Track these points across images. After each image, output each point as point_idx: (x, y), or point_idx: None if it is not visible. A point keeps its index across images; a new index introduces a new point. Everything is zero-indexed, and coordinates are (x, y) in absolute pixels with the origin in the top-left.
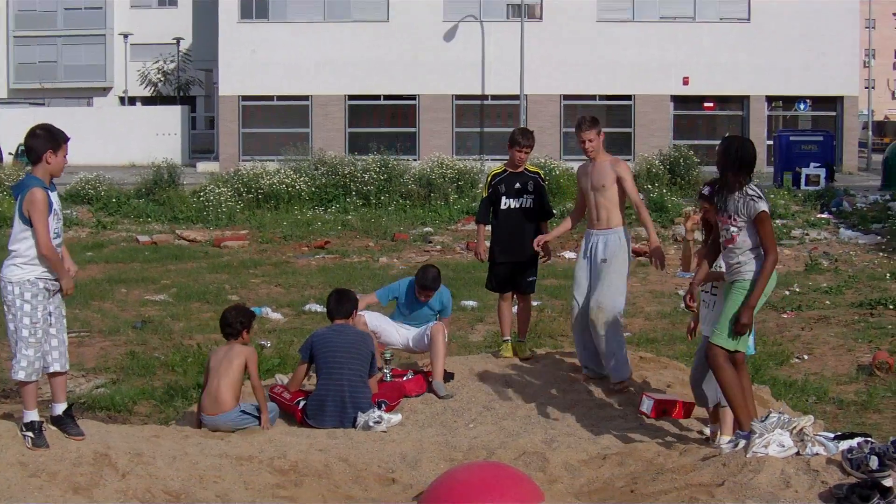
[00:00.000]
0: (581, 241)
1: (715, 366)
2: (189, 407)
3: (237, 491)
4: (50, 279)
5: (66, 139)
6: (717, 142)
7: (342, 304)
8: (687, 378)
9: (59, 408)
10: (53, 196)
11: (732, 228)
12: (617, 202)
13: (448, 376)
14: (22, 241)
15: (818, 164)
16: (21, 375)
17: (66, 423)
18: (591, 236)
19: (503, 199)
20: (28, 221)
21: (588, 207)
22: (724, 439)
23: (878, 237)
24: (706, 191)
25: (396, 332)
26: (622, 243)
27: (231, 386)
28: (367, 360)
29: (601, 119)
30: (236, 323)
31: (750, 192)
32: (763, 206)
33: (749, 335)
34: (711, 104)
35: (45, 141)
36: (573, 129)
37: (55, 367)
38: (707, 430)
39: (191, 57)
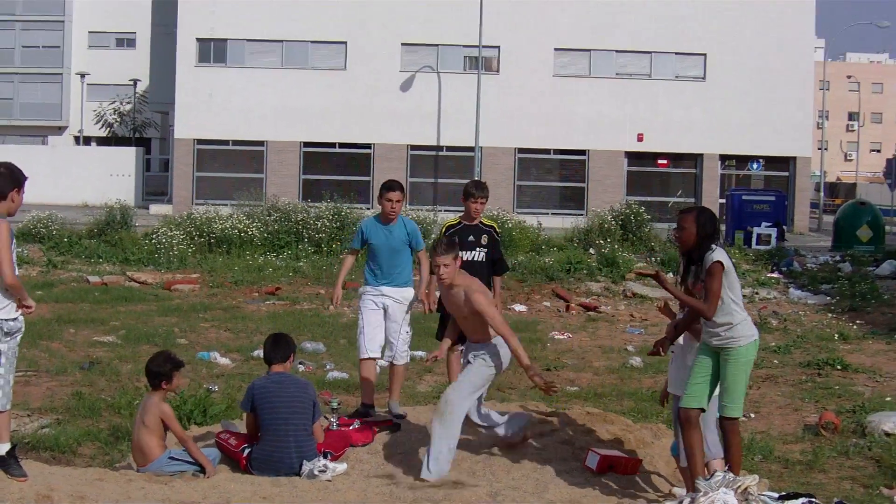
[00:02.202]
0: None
1: (690, 426)
2: None
3: None
4: (8, 320)
5: (25, 178)
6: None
7: (278, 349)
8: (633, 435)
9: (3, 448)
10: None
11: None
12: (480, 325)
13: (395, 427)
14: None
15: (770, 224)
16: None
17: (9, 463)
18: (468, 347)
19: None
20: None
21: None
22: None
23: (828, 298)
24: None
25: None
26: (489, 351)
27: (150, 436)
28: (310, 411)
29: (554, 172)
30: (154, 374)
31: (716, 248)
32: (718, 256)
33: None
34: (665, 161)
35: (8, 180)
36: (527, 183)
37: None
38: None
39: (147, 99)
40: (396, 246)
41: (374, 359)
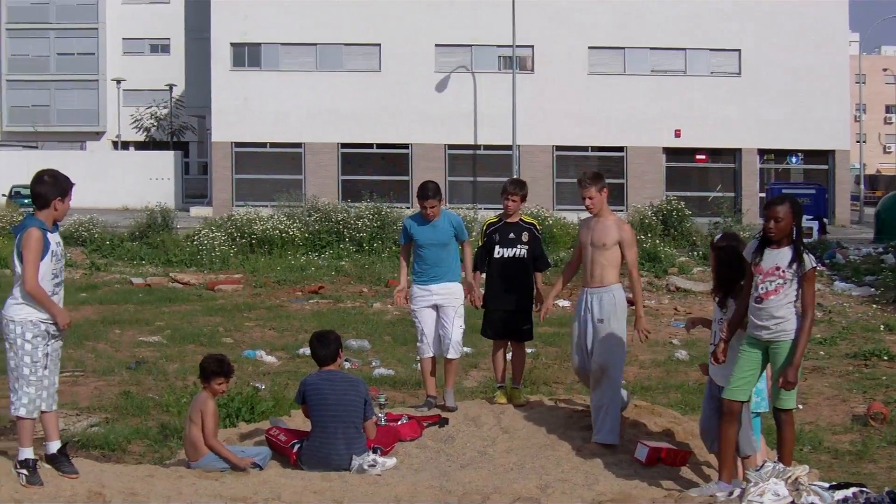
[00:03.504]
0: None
1: (731, 419)
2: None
3: None
4: (50, 322)
5: (72, 185)
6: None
7: (326, 347)
8: (681, 427)
9: (54, 446)
10: (54, 238)
11: (778, 280)
12: (614, 263)
13: (442, 421)
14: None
15: (810, 217)
16: (22, 412)
17: (60, 461)
18: (585, 294)
19: (496, 248)
20: (22, 259)
21: (583, 263)
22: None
23: (872, 289)
24: (753, 247)
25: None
26: (616, 301)
27: (199, 432)
28: (361, 408)
29: (593, 168)
30: (205, 371)
31: (804, 246)
32: (815, 263)
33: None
34: (703, 156)
35: (52, 188)
36: (566, 180)
37: (43, 407)
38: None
39: (183, 103)
40: (443, 240)
41: (434, 357)
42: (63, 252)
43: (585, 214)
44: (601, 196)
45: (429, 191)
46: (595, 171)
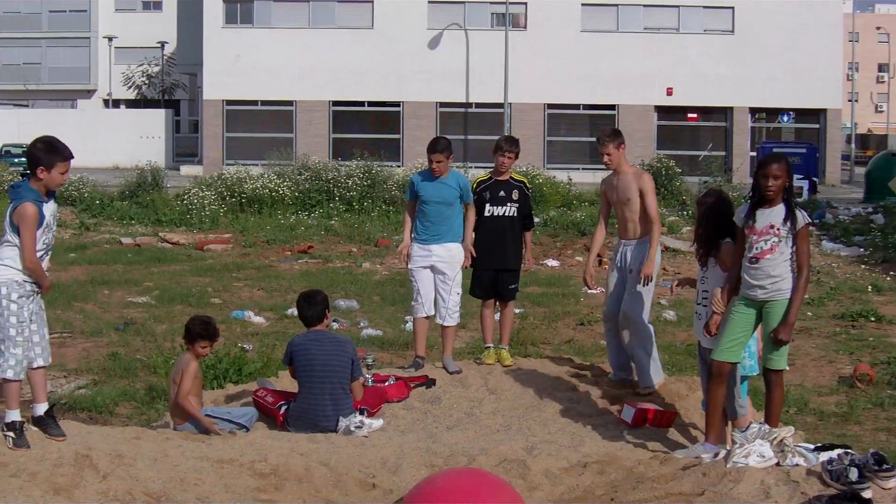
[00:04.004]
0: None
1: (720, 381)
2: None
3: (218, 494)
4: (32, 281)
5: (65, 157)
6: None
7: (313, 307)
8: (667, 388)
9: (41, 408)
10: (48, 208)
11: (773, 239)
12: (643, 213)
13: (430, 382)
14: (9, 248)
15: (801, 177)
16: (10, 374)
17: (47, 423)
18: (622, 247)
19: (486, 206)
20: (16, 231)
21: (617, 218)
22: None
23: (861, 249)
24: (744, 210)
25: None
26: (644, 254)
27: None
28: (348, 368)
29: (584, 127)
30: (190, 333)
31: (796, 203)
32: (808, 219)
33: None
34: (695, 115)
35: (39, 156)
36: (557, 138)
37: (38, 362)
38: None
39: (175, 61)
40: (448, 198)
41: (428, 317)
42: (55, 220)
43: (576, 175)
44: (619, 152)
45: (438, 145)
46: (613, 128)
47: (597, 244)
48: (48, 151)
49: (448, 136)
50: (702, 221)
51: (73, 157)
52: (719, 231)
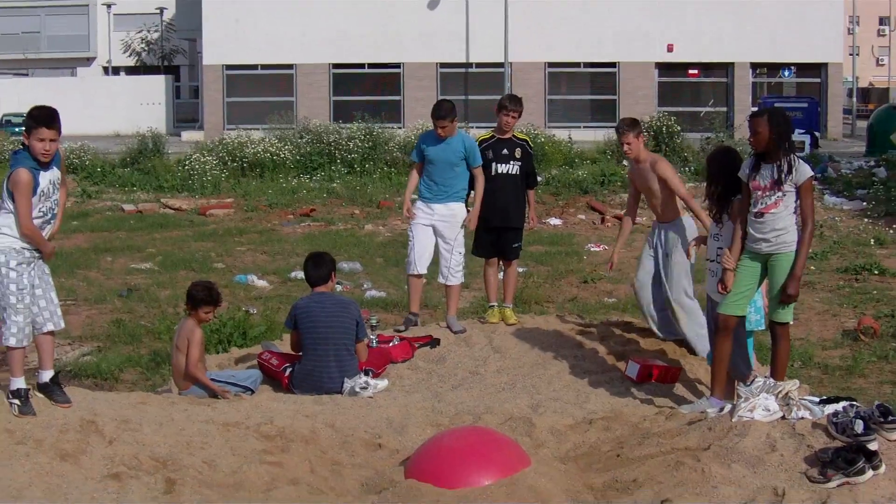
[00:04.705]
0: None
1: (726, 335)
2: None
3: (224, 457)
4: (32, 248)
5: (45, 123)
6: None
7: (319, 269)
8: (672, 344)
9: (46, 375)
10: (46, 177)
11: (778, 194)
12: (669, 198)
13: (434, 342)
14: (7, 215)
15: (803, 131)
16: (12, 342)
17: (52, 390)
18: (656, 227)
19: (493, 164)
20: (11, 197)
21: (647, 203)
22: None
23: (863, 203)
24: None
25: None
26: (680, 233)
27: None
28: (352, 330)
29: (585, 85)
30: (193, 298)
31: (797, 158)
32: (811, 172)
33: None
34: (696, 71)
35: (23, 123)
36: (558, 97)
37: (48, 327)
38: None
39: (174, 26)
40: (452, 159)
41: (421, 275)
42: (57, 188)
43: (577, 133)
44: (638, 141)
45: (441, 110)
46: (631, 117)
47: (624, 234)
48: (28, 117)
49: (449, 97)
50: (713, 179)
51: (51, 125)
52: (732, 188)
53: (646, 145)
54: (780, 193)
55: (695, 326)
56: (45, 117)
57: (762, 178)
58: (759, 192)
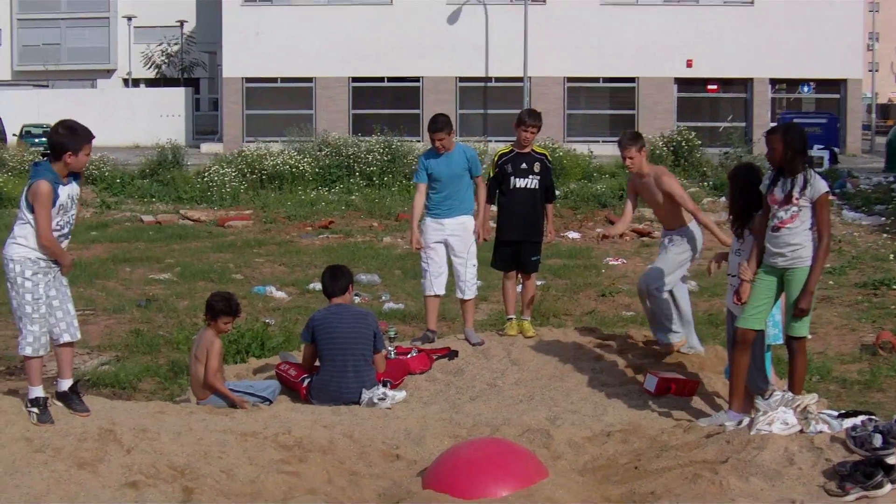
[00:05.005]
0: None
1: (744, 349)
2: None
3: (242, 466)
4: (49, 259)
5: (89, 138)
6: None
7: (337, 281)
8: (690, 357)
9: (65, 384)
10: (65, 190)
11: (793, 208)
12: (674, 209)
13: (452, 354)
14: (24, 226)
15: (822, 147)
16: (28, 351)
17: (71, 399)
18: (664, 236)
19: (512, 178)
20: (31, 209)
21: (654, 214)
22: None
23: (882, 218)
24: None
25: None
26: (685, 236)
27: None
28: (370, 340)
29: (604, 100)
30: (212, 309)
31: (814, 173)
32: (826, 188)
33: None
34: (715, 86)
35: (65, 140)
36: (577, 111)
37: (65, 338)
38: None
39: (194, 39)
40: (457, 172)
41: (439, 295)
42: (74, 203)
43: (596, 147)
44: (640, 155)
45: (437, 123)
46: (634, 131)
47: (622, 224)
48: (73, 135)
49: (468, 111)
50: (736, 195)
51: (94, 137)
52: (753, 203)
53: (648, 159)
54: (795, 208)
55: (660, 317)
56: (89, 131)
57: (778, 192)
58: (776, 207)
